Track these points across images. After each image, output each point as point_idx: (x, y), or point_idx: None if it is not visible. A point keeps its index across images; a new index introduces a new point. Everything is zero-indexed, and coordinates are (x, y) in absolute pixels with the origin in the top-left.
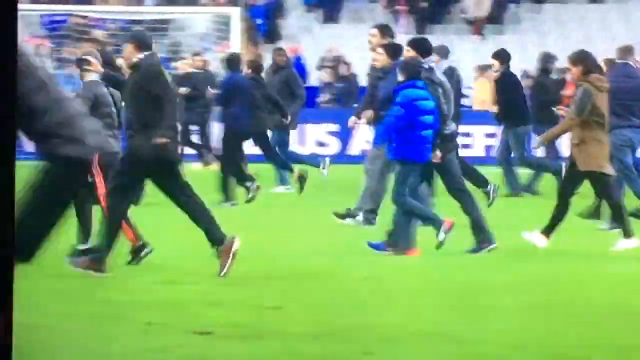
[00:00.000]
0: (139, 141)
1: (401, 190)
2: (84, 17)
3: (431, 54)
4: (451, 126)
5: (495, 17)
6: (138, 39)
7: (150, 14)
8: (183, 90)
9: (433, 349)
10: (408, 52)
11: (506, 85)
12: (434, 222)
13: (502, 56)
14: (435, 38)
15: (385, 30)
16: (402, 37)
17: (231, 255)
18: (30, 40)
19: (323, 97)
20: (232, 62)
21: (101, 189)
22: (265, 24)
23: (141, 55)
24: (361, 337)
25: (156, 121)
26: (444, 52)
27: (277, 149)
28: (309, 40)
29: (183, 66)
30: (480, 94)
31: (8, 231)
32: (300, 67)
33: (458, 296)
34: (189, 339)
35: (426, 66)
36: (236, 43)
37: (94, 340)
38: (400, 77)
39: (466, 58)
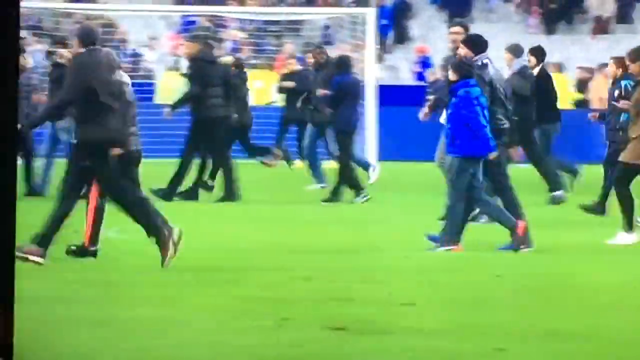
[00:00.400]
0: (81, 134)
1: (463, 184)
2: (216, 18)
3: (485, 51)
4: (504, 123)
5: (623, 16)
6: (81, 34)
7: (286, 14)
8: (287, 84)
9: (560, 347)
10: (462, 50)
11: (541, 82)
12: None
13: (539, 53)
14: (563, 38)
15: (466, 26)
16: (532, 37)
17: (171, 247)
18: (171, 39)
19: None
20: (342, 63)
21: (96, 183)
22: (391, 24)
23: (83, 50)
24: (492, 334)
25: (93, 114)
26: (517, 51)
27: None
28: (437, 41)
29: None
30: (598, 92)
31: (9, 231)
32: (427, 67)
33: (580, 295)
34: (323, 334)
35: (479, 63)
36: (371, 43)
37: (230, 334)
38: (454, 77)
39: (598, 57)
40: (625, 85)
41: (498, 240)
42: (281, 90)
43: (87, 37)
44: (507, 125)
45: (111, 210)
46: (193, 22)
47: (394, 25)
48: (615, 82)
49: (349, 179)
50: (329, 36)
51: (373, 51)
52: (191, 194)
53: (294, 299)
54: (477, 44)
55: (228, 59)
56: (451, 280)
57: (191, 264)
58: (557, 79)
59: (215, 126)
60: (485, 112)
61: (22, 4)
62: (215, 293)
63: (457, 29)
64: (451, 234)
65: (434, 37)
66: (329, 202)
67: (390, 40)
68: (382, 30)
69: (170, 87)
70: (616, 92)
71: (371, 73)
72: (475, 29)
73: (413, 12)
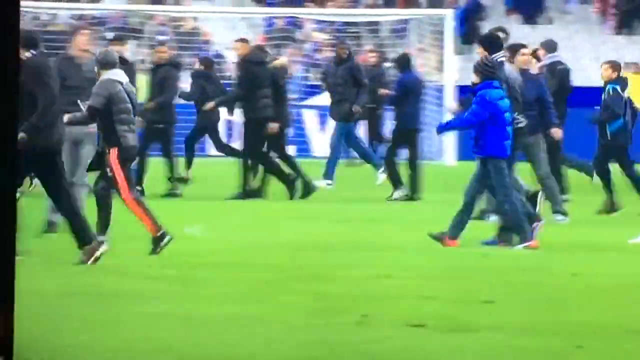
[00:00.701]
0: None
1: (505, 183)
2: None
3: (501, 50)
4: (520, 122)
5: None
6: (24, 38)
7: (364, 16)
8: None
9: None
10: (479, 50)
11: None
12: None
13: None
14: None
15: (505, 31)
16: (609, 38)
17: (92, 259)
18: (259, 41)
19: None
20: (403, 62)
21: (121, 182)
22: (463, 26)
23: (28, 54)
24: (570, 332)
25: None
26: (550, 46)
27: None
28: (509, 42)
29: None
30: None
31: (9, 231)
32: None
33: None
34: (403, 331)
35: (496, 61)
36: (449, 44)
37: (312, 331)
38: (476, 78)
39: None
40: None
41: (573, 241)
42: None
43: (29, 41)
44: (523, 124)
45: (192, 208)
46: (293, 24)
47: (466, 26)
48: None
49: (416, 177)
50: (407, 37)
51: (451, 51)
52: (255, 193)
53: (374, 296)
54: (493, 43)
55: (280, 61)
56: (528, 279)
57: (272, 262)
58: (635, 79)
59: (263, 127)
60: (507, 114)
61: (108, 6)
62: (297, 290)
63: (527, 50)
64: (522, 231)
65: (506, 39)
66: (405, 201)
67: (463, 42)
68: (455, 32)
69: None
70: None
71: (450, 73)
72: (552, 30)
73: (485, 13)
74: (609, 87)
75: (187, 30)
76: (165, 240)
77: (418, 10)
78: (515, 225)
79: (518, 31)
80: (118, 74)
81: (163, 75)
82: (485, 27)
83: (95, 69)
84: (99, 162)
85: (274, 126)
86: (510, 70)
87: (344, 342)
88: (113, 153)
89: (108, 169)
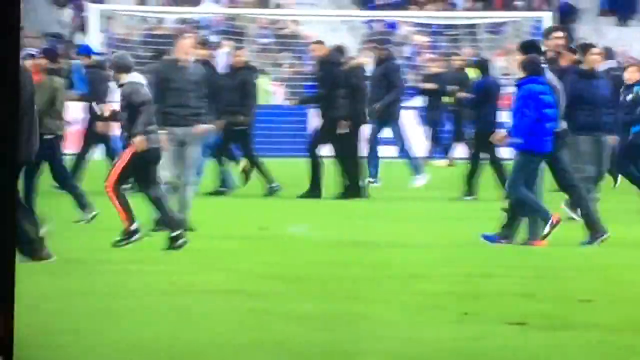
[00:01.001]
0: None
1: (517, 180)
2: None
3: (540, 55)
4: (561, 124)
5: None
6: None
7: (464, 18)
8: (429, 85)
9: None
10: (518, 55)
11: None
12: (544, 214)
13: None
14: None
15: (566, 31)
16: None
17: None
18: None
19: None
20: (482, 65)
21: (115, 170)
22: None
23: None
24: None
25: None
26: (609, 53)
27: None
28: (605, 44)
29: (434, 67)
30: None
31: (9, 231)
32: None
33: None
34: (503, 329)
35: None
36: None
37: (415, 328)
38: (522, 74)
39: None
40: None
41: None
42: (423, 91)
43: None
44: (559, 128)
45: (302, 208)
46: (391, 27)
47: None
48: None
49: (501, 176)
50: (505, 39)
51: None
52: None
53: (475, 294)
54: (531, 48)
55: (357, 61)
56: (624, 278)
57: (370, 260)
58: None
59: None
60: (550, 110)
61: (217, 9)
62: (396, 289)
63: (559, 33)
64: (533, 228)
65: (601, 41)
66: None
67: None
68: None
69: None
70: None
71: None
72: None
73: (578, 15)
74: (636, 88)
75: (288, 33)
76: (137, 236)
77: (516, 12)
78: (531, 222)
79: (612, 32)
80: (137, 77)
81: (242, 79)
82: (579, 30)
83: (112, 72)
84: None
85: (344, 124)
86: (552, 76)
87: (445, 339)
88: (132, 146)
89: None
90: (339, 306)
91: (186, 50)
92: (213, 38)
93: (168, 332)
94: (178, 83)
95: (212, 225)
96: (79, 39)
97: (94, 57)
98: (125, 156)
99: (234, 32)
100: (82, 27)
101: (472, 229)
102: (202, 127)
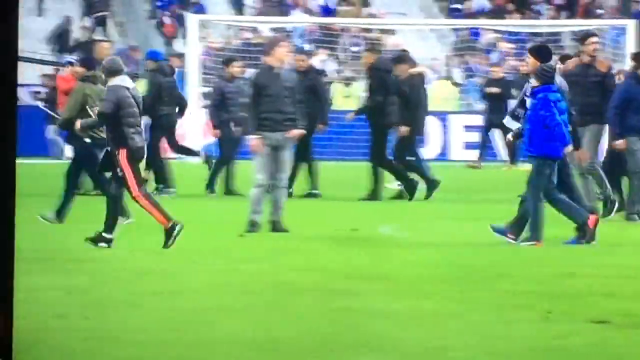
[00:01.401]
0: None
1: (539, 185)
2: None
3: (550, 59)
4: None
5: None
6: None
7: (547, 26)
8: (493, 90)
9: None
10: (529, 59)
11: None
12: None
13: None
14: None
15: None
16: None
17: None
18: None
19: None
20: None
21: (130, 180)
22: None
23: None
24: None
25: None
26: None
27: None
28: None
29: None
30: None
31: (9, 230)
32: None
33: None
34: (587, 328)
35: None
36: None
37: (500, 326)
38: (536, 82)
39: None
40: None
41: None
42: (486, 96)
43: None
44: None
45: (393, 207)
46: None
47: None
48: None
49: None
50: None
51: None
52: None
53: (558, 293)
54: (543, 53)
55: (417, 69)
56: None
57: (455, 261)
58: None
59: (388, 132)
60: (564, 116)
61: (310, 19)
62: (482, 288)
63: (595, 39)
64: (535, 231)
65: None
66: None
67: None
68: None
69: (441, 95)
70: None
71: None
72: None
73: None
74: None
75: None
76: (177, 230)
77: (600, 20)
78: (532, 223)
79: None
80: (124, 80)
81: (311, 83)
82: None
83: (103, 76)
84: (109, 163)
85: (404, 129)
86: (561, 79)
87: (528, 338)
88: (122, 154)
89: (118, 169)
90: (424, 304)
91: (281, 58)
92: (307, 46)
93: (261, 328)
94: (273, 89)
95: (305, 226)
96: (178, 47)
97: (159, 62)
98: (124, 165)
99: (325, 41)
100: (175, 36)
101: (552, 230)
102: (296, 132)
